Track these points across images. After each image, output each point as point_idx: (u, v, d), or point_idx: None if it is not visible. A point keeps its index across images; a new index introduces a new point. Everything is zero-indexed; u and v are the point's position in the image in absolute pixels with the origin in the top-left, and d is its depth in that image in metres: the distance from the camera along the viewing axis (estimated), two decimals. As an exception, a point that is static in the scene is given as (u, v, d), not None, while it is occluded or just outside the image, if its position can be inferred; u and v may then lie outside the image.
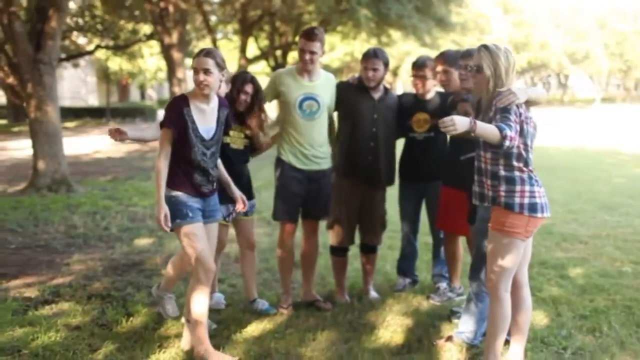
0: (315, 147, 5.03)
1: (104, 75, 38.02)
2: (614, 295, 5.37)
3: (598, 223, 8.43)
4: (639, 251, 6.90)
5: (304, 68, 4.96)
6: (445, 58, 5.15)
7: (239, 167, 4.96)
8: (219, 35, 29.87)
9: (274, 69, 28.40)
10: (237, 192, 4.52)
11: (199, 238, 4.00)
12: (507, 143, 3.51)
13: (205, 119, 4.08)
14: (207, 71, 3.95)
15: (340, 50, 38.34)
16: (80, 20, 24.11)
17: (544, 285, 5.66)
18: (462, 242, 5.36)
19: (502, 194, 3.76)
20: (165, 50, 19.98)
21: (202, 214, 4.11)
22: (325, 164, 5.14)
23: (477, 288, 4.33)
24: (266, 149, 5.21)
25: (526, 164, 3.79)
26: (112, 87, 42.29)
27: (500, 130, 3.49)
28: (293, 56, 29.06)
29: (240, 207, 4.52)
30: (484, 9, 40.91)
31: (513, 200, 3.73)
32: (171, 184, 4.00)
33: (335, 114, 5.35)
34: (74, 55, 25.32)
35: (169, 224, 3.93)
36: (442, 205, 5.22)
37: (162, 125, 4.01)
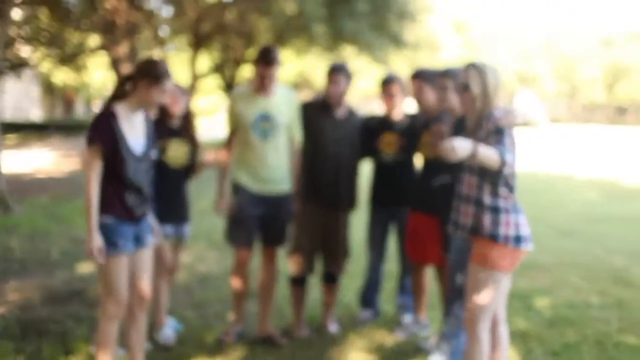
0: (273, 169, 4.69)
1: (49, 88, 36.95)
2: (584, 329, 5.16)
3: (559, 250, 8.27)
4: (604, 281, 6.73)
5: (261, 86, 4.65)
6: (421, 75, 4.86)
7: (175, 187, 4.69)
8: (169, 48, 29.22)
9: (226, 83, 28.02)
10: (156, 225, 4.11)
11: (120, 274, 3.67)
12: (506, 170, 3.27)
13: (135, 132, 3.72)
14: None
15: (291, 69, 38.15)
16: (23, 32, 23.27)
17: (511, 317, 5.34)
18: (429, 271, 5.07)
19: (486, 223, 3.49)
20: (114, 63, 19.40)
21: (133, 240, 3.74)
22: (284, 187, 4.79)
23: (451, 325, 4.04)
24: (204, 169, 4.89)
25: (511, 191, 3.55)
26: (56, 101, 41.18)
27: (501, 155, 3.24)
28: (245, 70, 28.72)
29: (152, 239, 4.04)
30: (436, 27, 41.29)
31: (498, 231, 3.48)
32: (100, 207, 3.59)
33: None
34: (17, 65, 24.41)
35: (103, 255, 3.57)
36: (410, 233, 4.93)
37: (90, 142, 3.58)
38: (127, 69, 18.61)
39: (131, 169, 3.65)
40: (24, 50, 27.20)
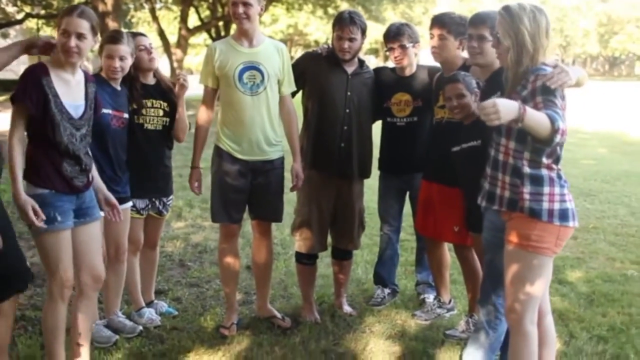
0: (263, 131, 4.04)
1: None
2: (628, 307, 4.62)
3: (581, 213, 7.65)
4: (637, 247, 6.18)
5: (240, 29, 3.99)
6: (443, 21, 4.14)
7: (155, 154, 4.14)
8: (158, 5, 28.25)
9: (215, 40, 27.18)
10: (111, 198, 3.57)
11: (61, 251, 3.23)
12: (557, 138, 2.65)
13: (71, 93, 3.25)
14: (80, 35, 3.13)
15: (284, 22, 37.24)
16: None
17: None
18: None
19: (526, 196, 2.91)
20: (100, 19, 18.50)
21: (74, 214, 3.30)
22: (275, 153, 4.14)
23: (488, 314, 3.45)
24: (185, 129, 4.29)
25: (557, 161, 2.95)
26: (43, 59, 40.21)
27: (553, 121, 2.62)
28: (235, 28, 27.93)
29: (110, 215, 3.57)
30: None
31: (540, 206, 2.89)
32: (35, 178, 3.16)
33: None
34: (2, 24, 23.55)
35: (43, 217, 3.07)
36: (422, 204, 4.35)
37: (15, 99, 3.08)
38: (112, 24, 17.78)
39: (65, 133, 3.17)
40: (9, 10, 26.31)
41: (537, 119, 2.66)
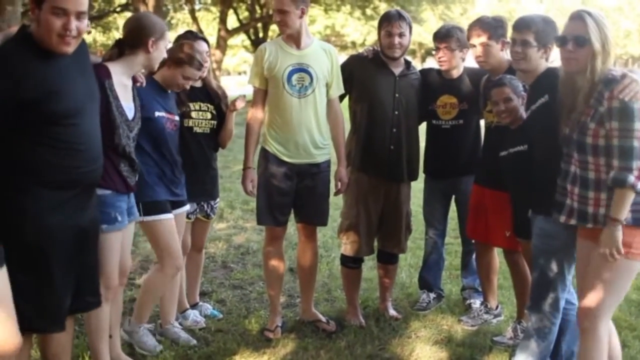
0: (310, 134, 4.02)
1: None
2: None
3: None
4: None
5: (283, 32, 4.01)
6: (486, 26, 4.09)
7: (204, 157, 4.13)
8: (197, 6, 28.47)
9: (253, 42, 27.24)
10: None
11: (114, 251, 3.30)
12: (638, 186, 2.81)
13: (127, 95, 3.29)
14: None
15: (321, 23, 37.22)
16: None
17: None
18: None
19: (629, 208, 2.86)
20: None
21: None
22: (322, 156, 4.13)
23: (538, 322, 3.39)
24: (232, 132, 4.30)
25: None
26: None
27: (623, 183, 2.83)
28: (273, 29, 27.96)
29: None
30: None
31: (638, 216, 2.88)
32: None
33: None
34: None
35: None
36: (473, 209, 4.28)
37: None
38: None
39: (123, 135, 3.20)
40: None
41: (624, 205, 2.80)
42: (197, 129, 4.08)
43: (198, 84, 4.13)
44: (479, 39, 4.08)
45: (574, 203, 3.02)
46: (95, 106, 2.94)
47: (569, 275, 3.32)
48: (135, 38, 3.26)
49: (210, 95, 4.18)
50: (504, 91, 3.76)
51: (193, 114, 4.06)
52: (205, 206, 4.25)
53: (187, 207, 3.98)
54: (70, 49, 2.69)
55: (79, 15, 2.65)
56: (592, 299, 2.98)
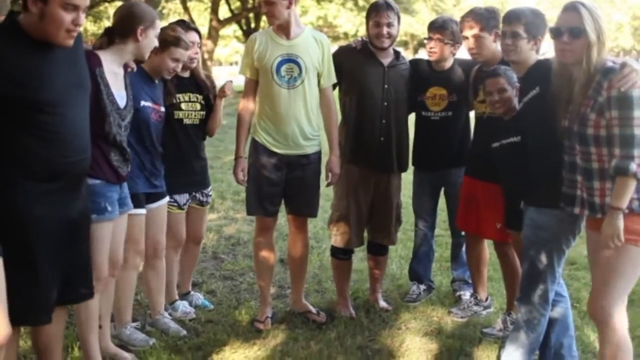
0: (299, 125, 4.01)
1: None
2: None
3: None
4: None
5: (271, 23, 4.01)
6: (478, 18, 4.07)
7: (194, 148, 4.12)
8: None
9: (245, 32, 27.11)
10: None
11: (105, 242, 3.27)
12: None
13: (118, 83, 3.27)
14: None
15: (313, 14, 37.13)
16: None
17: (581, 293, 4.77)
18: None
19: (634, 195, 2.85)
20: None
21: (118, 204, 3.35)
22: (312, 147, 4.12)
23: (527, 314, 3.40)
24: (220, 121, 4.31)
25: None
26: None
27: (626, 172, 2.81)
28: (265, 20, 27.82)
29: None
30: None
31: None
32: None
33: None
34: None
35: None
36: (464, 200, 4.29)
37: None
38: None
39: (114, 124, 3.18)
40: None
41: (625, 193, 2.78)
42: (187, 120, 4.07)
43: (187, 74, 4.12)
44: (471, 31, 4.07)
45: (583, 194, 3.02)
46: (85, 96, 2.91)
47: (558, 268, 3.33)
48: (125, 26, 3.23)
49: (199, 86, 4.16)
50: (499, 81, 3.76)
51: (183, 105, 4.04)
52: (199, 195, 4.26)
53: (166, 200, 3.96)
54: (72, 42, 2.72)
55: (84, 10, 2.69)
56: (600, 289, 3.00)
